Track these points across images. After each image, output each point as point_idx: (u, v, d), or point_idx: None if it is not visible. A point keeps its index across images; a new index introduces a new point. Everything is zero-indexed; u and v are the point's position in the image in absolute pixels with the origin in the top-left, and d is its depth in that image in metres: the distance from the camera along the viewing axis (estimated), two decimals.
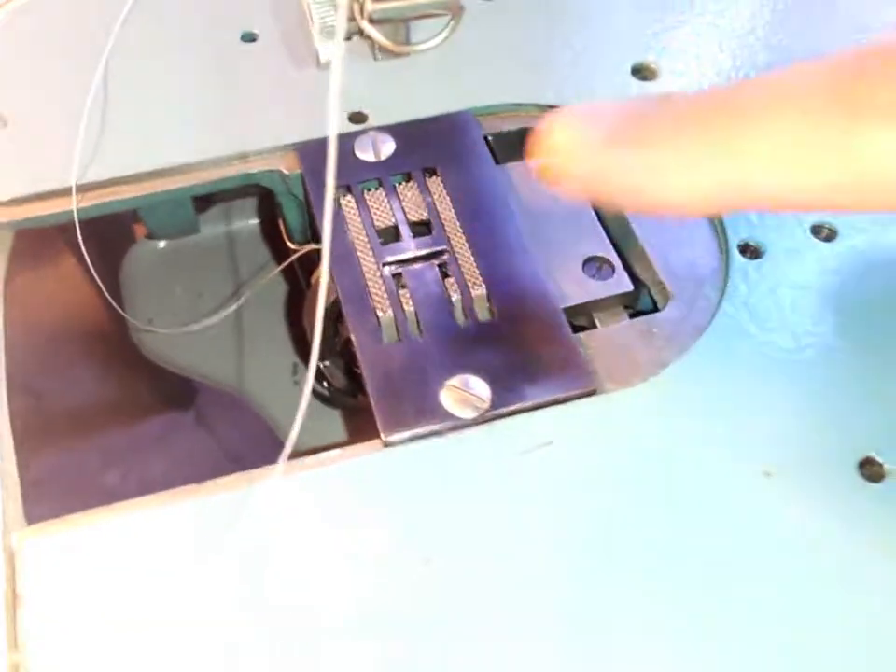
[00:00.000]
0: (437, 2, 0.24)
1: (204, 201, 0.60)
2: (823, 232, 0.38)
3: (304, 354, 0.51)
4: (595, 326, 0.37)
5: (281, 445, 0.27)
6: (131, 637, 0.28)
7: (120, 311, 0.46)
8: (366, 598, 0.29)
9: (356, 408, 0.46)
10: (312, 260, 0.43)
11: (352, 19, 0.27)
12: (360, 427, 0.35)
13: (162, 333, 0.52)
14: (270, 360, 0.54)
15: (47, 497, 0.35)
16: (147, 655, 0.28)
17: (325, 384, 0.44)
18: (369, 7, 0.24)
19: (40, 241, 0.49)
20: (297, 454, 0.35)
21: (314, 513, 0.31)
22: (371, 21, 0.25)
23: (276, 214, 0.45)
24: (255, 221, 0.60)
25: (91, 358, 0.57)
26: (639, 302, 0.40)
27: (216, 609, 0.29)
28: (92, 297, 0.57)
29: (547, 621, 0.29)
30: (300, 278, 0.51)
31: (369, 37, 0.26)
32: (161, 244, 0.61)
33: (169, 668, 0.28)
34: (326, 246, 0.22)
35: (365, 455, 0.32)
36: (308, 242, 0.44)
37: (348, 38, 0.27)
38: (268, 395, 0.56)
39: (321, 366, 0.44)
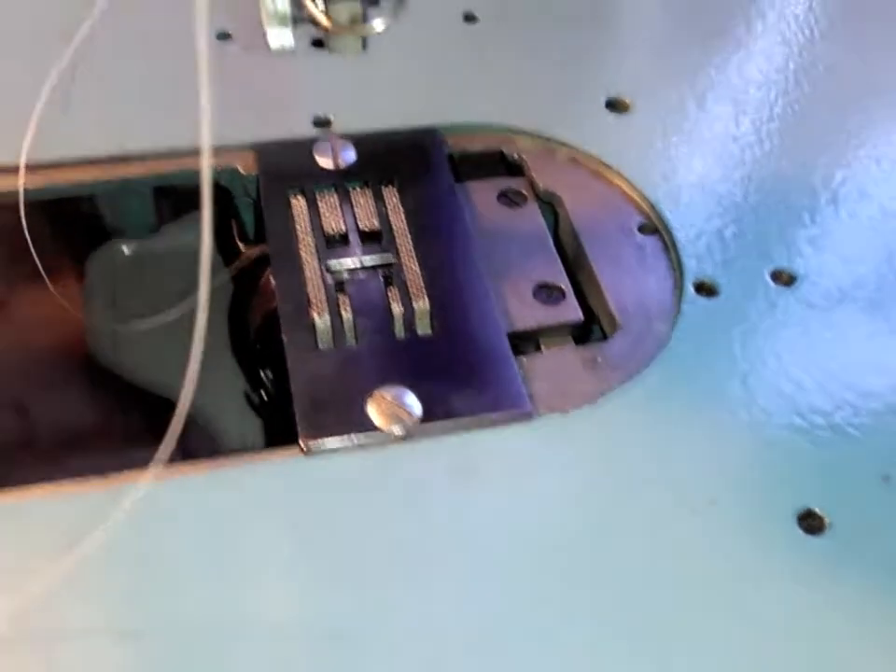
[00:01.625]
0: None
1: (174, 208, 0.59)
2: (783, 277, 0.37)
3: (246, 358, 0.49)
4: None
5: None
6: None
7: (66, 304, 0.45)
8: (248, 611, 0.27)
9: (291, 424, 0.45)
10: (263, 263, 0.42)
11: (302, 7, 0.26)
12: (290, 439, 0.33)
13: (112, 330, 0.51)
14: (220, 367, 0.53)
15: None
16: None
17: (262, 392, 0.43)
18: None
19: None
20: (218, 454, 0.34)
21: (216, 518, 0.29)
22: None
23: (230, 217, 0.44)
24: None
25: (78, 376, 0.56)
26: (591, 336, 0.39)
27: (107, 613, 0.27)
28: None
29: (454, 648, 0.27)
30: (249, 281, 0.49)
31: (314, 21, 0.25)
32: (126, 248, 0.60)
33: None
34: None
35: (281, 461, 0.31)
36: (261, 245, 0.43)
37: (295, 23, 0.26)
38: (218, 413, 0.54)
39: (261, 374, 0.42)
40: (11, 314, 0.52)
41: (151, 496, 0.29)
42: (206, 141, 0.20)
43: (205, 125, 0.20)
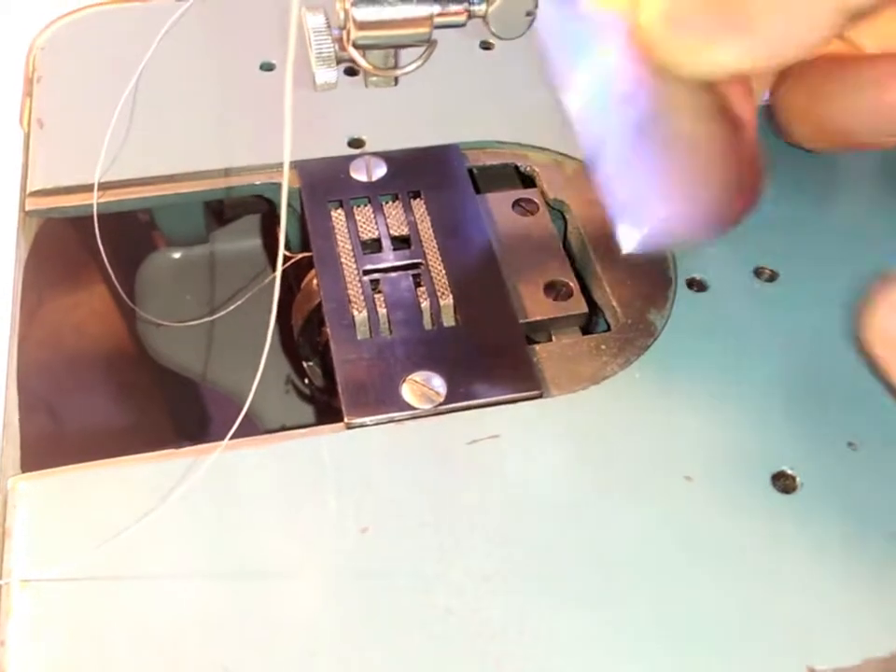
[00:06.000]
0: (410, 34, 0.29)
1: (219, 218, 0.65)
2: (765, 274, 0.41)
3: (294, 360, 0.55)
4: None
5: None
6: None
7: (129, 301, 0.51)
8: (304, 557, 0.32)
9: (334, 408, 0.50)
10: (305, 269, 0.47)
11: (344, 49, 0.31)
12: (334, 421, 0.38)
13: (165, 327, 0.57)
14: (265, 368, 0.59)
15: None
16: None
17: (306, 381, 0.48)
18: (353, 34, 0.29)
19: (62, 256, 0.54)
20: (267, 431, 0.39)
21: (274, 481, 0.34)
22: (356, 46, 0.29)
23: (276, 227, 0.50)
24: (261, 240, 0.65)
25: (108, 379, 0.61)
26: (597, 328, 0.44)
27: (177, 565, 0.32)
28: (110, 314, 0.62)
29: (468, 594, 0.32)
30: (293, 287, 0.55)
31: (354, 62, 0.30)
32: (176, 254, 0.66)
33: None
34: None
35: (328, 435, 0.36)
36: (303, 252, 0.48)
37: (338, 63, 0.31)
38: (260, 402, 0.60)
39: (304, 365, 0.47)
40: (69, 314, 0.57)
41: (223, 462, 0.34)
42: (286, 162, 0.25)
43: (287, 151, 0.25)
